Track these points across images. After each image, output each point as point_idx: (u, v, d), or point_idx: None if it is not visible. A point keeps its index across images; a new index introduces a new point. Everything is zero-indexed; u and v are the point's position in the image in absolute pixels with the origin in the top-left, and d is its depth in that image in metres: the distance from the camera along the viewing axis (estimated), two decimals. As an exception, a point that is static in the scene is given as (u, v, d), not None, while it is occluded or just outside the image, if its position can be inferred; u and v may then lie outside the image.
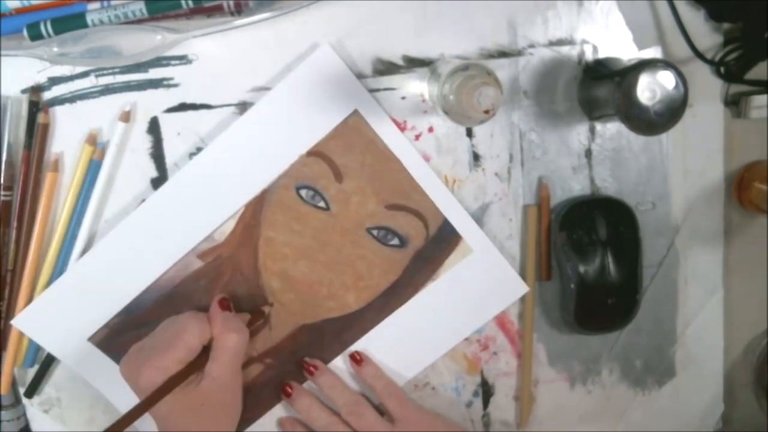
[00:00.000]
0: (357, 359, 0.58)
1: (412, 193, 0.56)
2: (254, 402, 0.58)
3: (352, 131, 0.55)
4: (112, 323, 0.56)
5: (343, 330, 0.58)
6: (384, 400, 0.57)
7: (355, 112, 0.54)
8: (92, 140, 0.53)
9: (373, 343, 0.58)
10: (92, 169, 0.54)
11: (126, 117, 0.53)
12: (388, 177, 0.56)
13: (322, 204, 0.56)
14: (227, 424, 0.54)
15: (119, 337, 0.56)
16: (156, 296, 0.56)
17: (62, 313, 0.55)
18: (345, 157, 0.55)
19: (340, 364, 0.59)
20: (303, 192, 0.55)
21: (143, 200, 0.54)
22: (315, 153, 0.55)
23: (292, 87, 0.53)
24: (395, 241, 0.57)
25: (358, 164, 0.55)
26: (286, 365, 0.58)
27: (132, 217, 0.54)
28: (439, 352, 0.59)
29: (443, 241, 0.57)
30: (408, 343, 0.58)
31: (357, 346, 0.58)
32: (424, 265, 0.57)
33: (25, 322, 0.55)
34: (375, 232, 0.56)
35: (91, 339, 0.56)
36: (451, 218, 0.57)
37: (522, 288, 0.59)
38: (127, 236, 0.54)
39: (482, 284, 0.58)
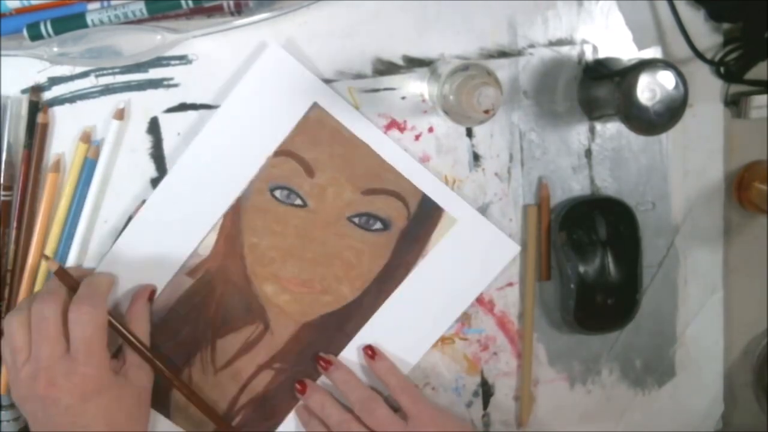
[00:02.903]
0: (370, 354, 0.57)
1: (386, 174, 0.56)
2: (272, 409, 0.58)
3: (315, 124, 0.54)
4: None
5: (344, 321, 0.58)
6: (397, 396, 0.57)
7: (315, 105, 0.54)
8: (86, 138, 0.53)
9: (376, 330, 0.58)
10: (87, 167, 0.54)
11: (120, 114, 0.53)
12: (359, 163, 0.55)
13: (298, 201, 0.55)
14: (149, 406, 0.55)
15: None
16: (155, 321, 0.56)
17: None
18: (313, 151, 0.55)
19: (352, 357, 0.58)
20: (277, 193, 0.55)
21: (129, 219, 0.54)
22: (282, 152, 0.55)
23: (247, 92, 0.53)
24: (378, 225, 0.56)
25: (326, 156, 0.55)
26: (296, 366, 0.58)
27: (115, 248, 0.54)
28: (442, 328, 0.59)
29: (426, 216, 0.57)
30: (411, 324, 0.58)
31: (361, 335, 0.58)
32: (412, 243, 0.57)
33: None
34: (356, 220, 0.56)
35: None
36: (429, 192, 0.56)
37: (513, 248, 0.58)
38: (115, 267, 0.55)
39: (473, 252, 0.57)
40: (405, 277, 0.57)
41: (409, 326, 0.58)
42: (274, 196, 0.55)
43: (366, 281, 0.57)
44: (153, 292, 0.55)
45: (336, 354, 0.58)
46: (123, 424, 0.51)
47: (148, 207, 0.54)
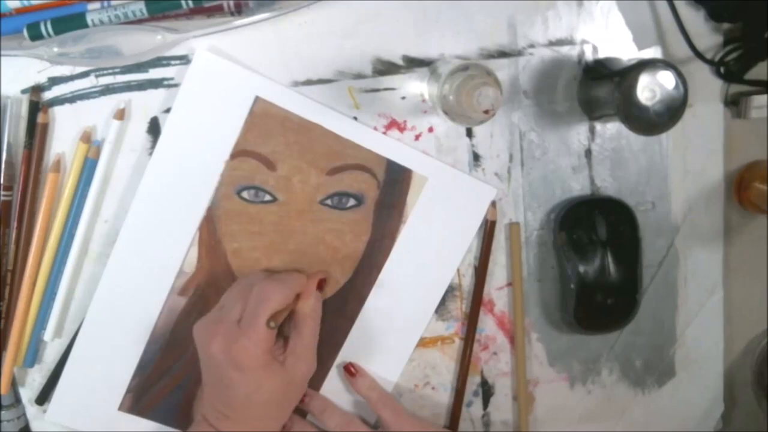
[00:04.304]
0: (351, 371, 0.58)
1: (346, 149, 0.55)
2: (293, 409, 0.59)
3: (264, 117, 0.54)
4: (133, 386, 0.57)
5: (342, 305, 0.58)
6: (379, 411, 0.57)
7: (258, 99, 0.53)
8: (86, 138, 0.53)
9: (376, 308, 0.58)
10: (88, 167, 0.54)
11: (120, 115, 0.53)
12: (317, 145, 0.55)
13: (267, 198, 0.55)
14: (295, 403, 0.55)
15: (145, 396, 0.57)
16: (159, 346, 0.56)
17: (86, 393, 0.56)
18: (268, 144, 0.54)
19: (356, 344, 0.58)
20: (245, 194, 0.55)
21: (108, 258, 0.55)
22: (238, 153, 0.54)
23: (187, 103, 0.53)
24: (351, 202, 0.56)
25: (283, 146, 0.54)
26: None
27: (102, 285, 0.55)
28: (441, 289, 0.58)
29: (396, 181, 0.56)
30: (409, 294, 0.58)
31: (362, 316, 0.58)
32: (390, 211, 0.57)
33: (57, 412, 0.57)
34: (329, 202, 0.56)
35: (121, 408, 0.57)
36: (393, 157, 0.56)
37: (490, 191, 0.57)
38: (106, 303, 0.55)
39: (451, 204, 0.57)
40: (392, 248, 0.57)
41: (408, 297, 0.58)
42: (242, 198, 0.55)
43: (354, 261, 0.57)
44: (323, 281, 0.55)
45: (342, 341, 0.58)
46: (261, 405, 0.51)
47: (123, 238, 0.54)
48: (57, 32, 0.50)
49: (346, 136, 0.55)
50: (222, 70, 0.53)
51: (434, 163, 0.56)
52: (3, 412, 0.57)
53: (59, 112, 0.53)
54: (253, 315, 0.50)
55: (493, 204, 0.57)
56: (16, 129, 0.53)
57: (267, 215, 0.55)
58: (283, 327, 0.53)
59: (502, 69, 0.56)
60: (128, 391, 0.57)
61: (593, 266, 0.58)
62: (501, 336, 0.61)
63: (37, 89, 0.53)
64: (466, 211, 0.57)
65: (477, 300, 0.59)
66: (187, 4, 0.51)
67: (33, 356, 0.56)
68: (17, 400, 0.58)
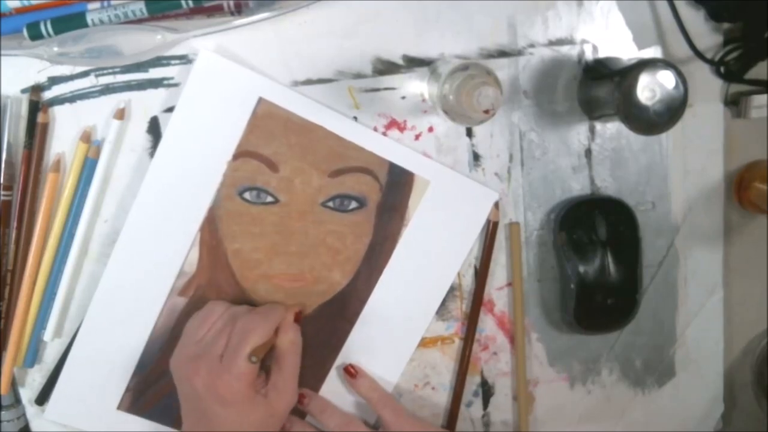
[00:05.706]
0: (352, 373, 0.58)
1: (348, 151, 0.55)
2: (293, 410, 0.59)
3: (266, 119, 0.54)
4: (132, 385, 0.57)
5: (343, 307, 0.58)
6: (379, 411, 0.57)
7: (261, 100, 0.53)
8: (86, 138, 0.53)
9: (376, 310, 0.58)
10: (88, 166, 0.54)
11: (120, 114, 0.53)
12: (319, 147, 0.55)
13: (269, 199, 0.55)
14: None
15: (144, 396, 0.57)
16: (159, 345, 0.56)
17: (84, 393, 0.56)
18: (270, 145, 0.54)
19: (356, 346, 0.58)
20: (247, 195, 0.55)
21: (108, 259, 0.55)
22: (241, 154, 0.54)
23: (190, 103, 0.53)
24: (353, 204, 0.56)
25: (285, 147, 0.54)
26: (306, 361, 0.58)
27: (102, 284, 0.55)
28: (442, 292, 0.58)
29: (398, 184, 0.56)
30: (410, 296, 0.58)
31: (363, 317, 0.58)
32: (391, 214, 0.57)
33: (55, 411, 0.57)
34: (331, 204, 0.56)
35: (120, 407, 0.57)
36: (395, 160, 0.56)
37: (492, 195, 0.57)
38: (106, 303, 0.55)
39: (453, 208, 0.57)
40: (393, 250, 0.57)
41: (408, 299, 0.58)
42: (244, 199, 0.55)
43: (355, 263, 0.57)
44: (299, 313, 0.55)
45: (342, 343, 0.58)
46: None
47: (124, 238, 0.54)
48: (57, 32, 0.50)
49: (349, 138, 0.55)
50: (225, 70, 0.53)
51: (436, 166, 0.56)
52: (3, 412, 0.57)
53: (59, 112, 0.53)
54: (236, 350, 0.50)
55: (496, 205, 0.57)
56: (16, 129, 0.53)
57: (268, 216, 0.55)
58: (265, 360, 0.53)
59: (502, 69, 0.56)
60: (127, 390, 0.57)
61: (593, 266, 0.58)
62: (501, 336, 0.61)
63: (37, 89, 0.53)
64: (467, 215, 0.57)
65: (477, 300, 0.59)
66: (187, 4, 0.51)
67: (33, 356, 0.56)
68: (17, 400, 0.58)
